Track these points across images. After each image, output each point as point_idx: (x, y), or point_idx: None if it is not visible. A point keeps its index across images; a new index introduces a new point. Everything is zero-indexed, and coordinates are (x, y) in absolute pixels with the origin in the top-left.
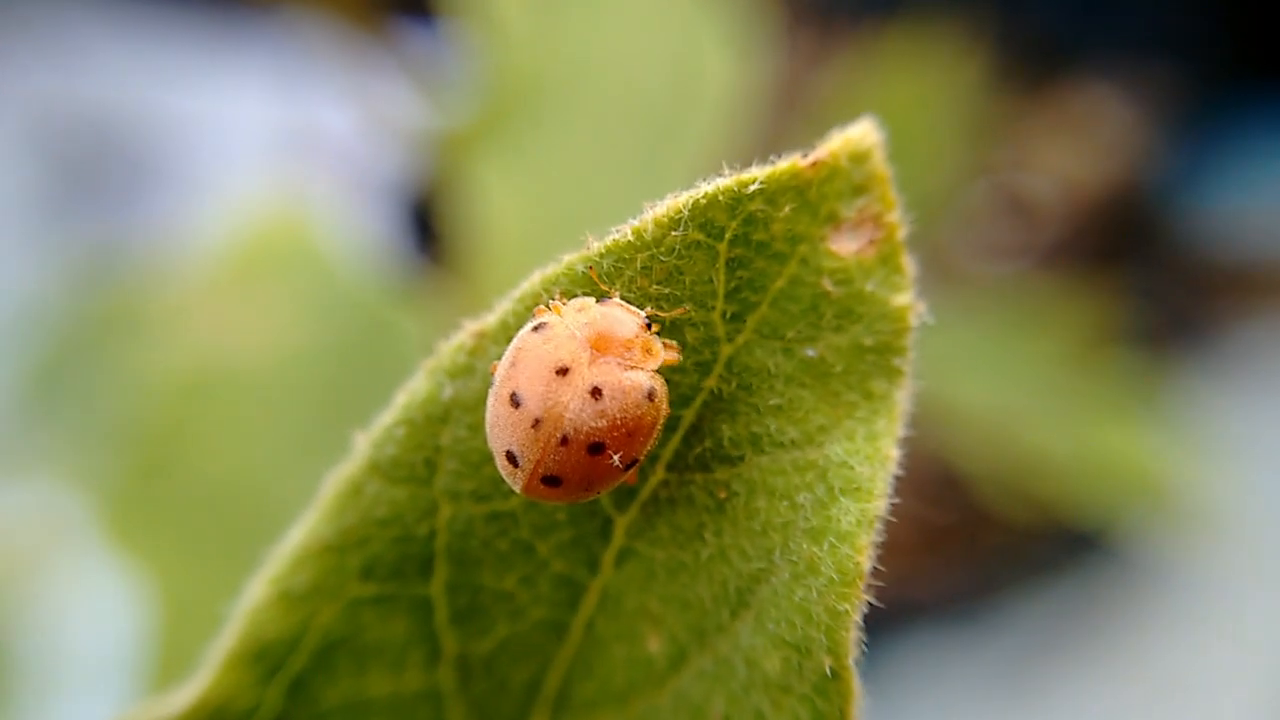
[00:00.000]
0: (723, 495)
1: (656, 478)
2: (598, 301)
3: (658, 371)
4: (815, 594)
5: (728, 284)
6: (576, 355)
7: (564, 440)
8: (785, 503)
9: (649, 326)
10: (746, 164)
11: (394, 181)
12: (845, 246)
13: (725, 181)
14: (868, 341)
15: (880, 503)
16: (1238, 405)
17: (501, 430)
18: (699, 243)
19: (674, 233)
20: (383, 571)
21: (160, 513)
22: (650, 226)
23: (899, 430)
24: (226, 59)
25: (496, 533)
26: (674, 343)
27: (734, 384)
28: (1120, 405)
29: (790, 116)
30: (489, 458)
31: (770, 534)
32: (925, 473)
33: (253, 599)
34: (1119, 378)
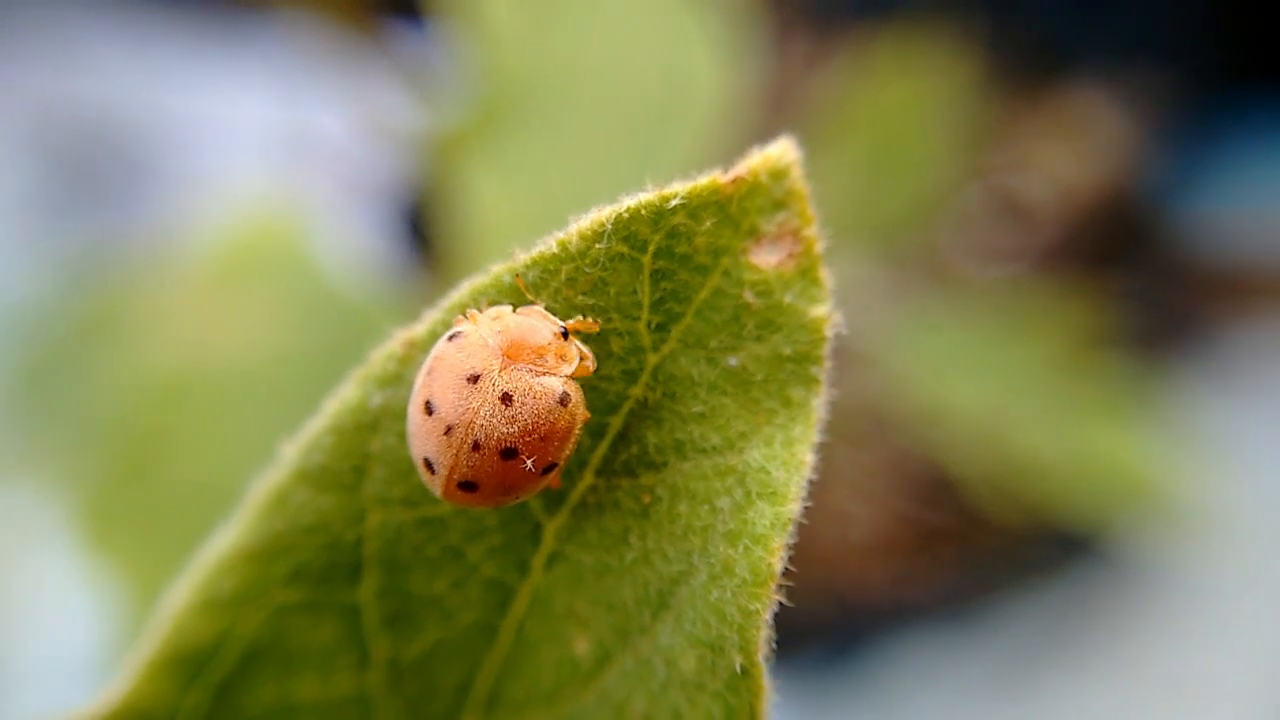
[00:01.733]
0: (647, 500)
1: (585, 483)
2: (515, 310)
3: (582, 380)
4: (729, 594)
5: (652, 295)
6: (488, 363)
7: (475, 446)
8: (706, 506)
9: (565, 334)
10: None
11: (387, 184)
12: (765, 259)
13: (648, 196)
14: (786, 351)
15: (794, 506)
16: (1231, 408)
17: (418, 438)
18: (623, 255)
19: (598, 245)
20: (309, 578)
21: (139, 515)
22: (575, 239)
23: (815, 436)
24: (222, 61)
25: (426, 538)
26: (589, 350)
27: (659, 392)
28: (1114, 408)
29: (784, 120)
30: None
31: (690, 537)
32: (919, 475)
33: (174, 606)
34: (1113, 380)
